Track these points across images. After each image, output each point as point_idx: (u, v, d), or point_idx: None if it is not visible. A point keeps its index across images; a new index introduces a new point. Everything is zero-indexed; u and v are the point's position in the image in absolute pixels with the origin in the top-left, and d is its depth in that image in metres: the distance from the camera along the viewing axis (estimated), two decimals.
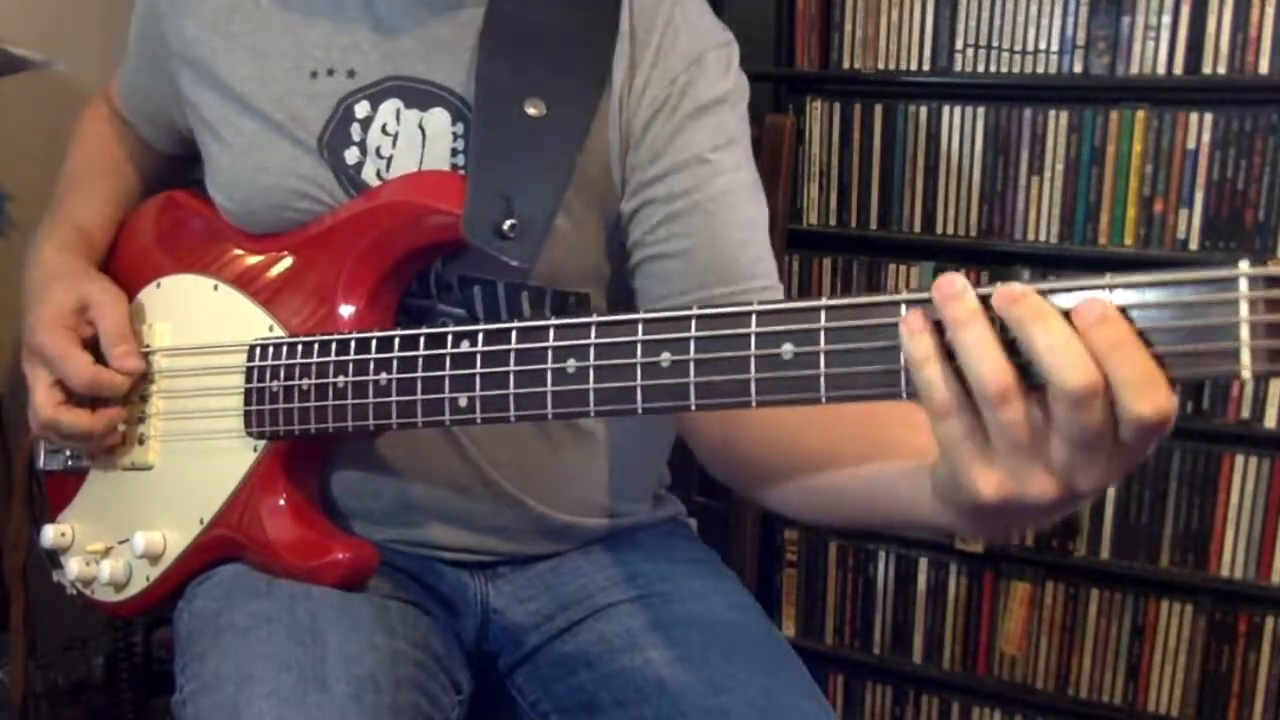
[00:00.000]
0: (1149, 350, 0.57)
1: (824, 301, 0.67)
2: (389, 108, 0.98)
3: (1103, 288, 0.58)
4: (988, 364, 0.59)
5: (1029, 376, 0.59)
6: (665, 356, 0.73)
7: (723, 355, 0.70)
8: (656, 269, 0.98)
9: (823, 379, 0.67)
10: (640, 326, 0.74)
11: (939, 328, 0.61)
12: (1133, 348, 0.57)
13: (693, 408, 0.72)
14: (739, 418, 0.90)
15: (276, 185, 0.99)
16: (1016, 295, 0.59)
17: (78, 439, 1.03)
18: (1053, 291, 0.59)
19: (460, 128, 0.97)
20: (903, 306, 0.64)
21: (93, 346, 1.02)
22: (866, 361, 0.65)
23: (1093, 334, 0.57)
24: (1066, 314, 0.58)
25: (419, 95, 0.98)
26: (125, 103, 1.19)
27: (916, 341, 0.62)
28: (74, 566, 1.06)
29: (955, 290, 0.60)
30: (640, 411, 0.74)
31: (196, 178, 1.11)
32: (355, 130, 0.98)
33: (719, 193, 0.97)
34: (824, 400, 0.67)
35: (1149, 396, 0.56)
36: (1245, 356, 0.55)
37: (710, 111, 0.98)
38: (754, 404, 0.69)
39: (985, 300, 0.60)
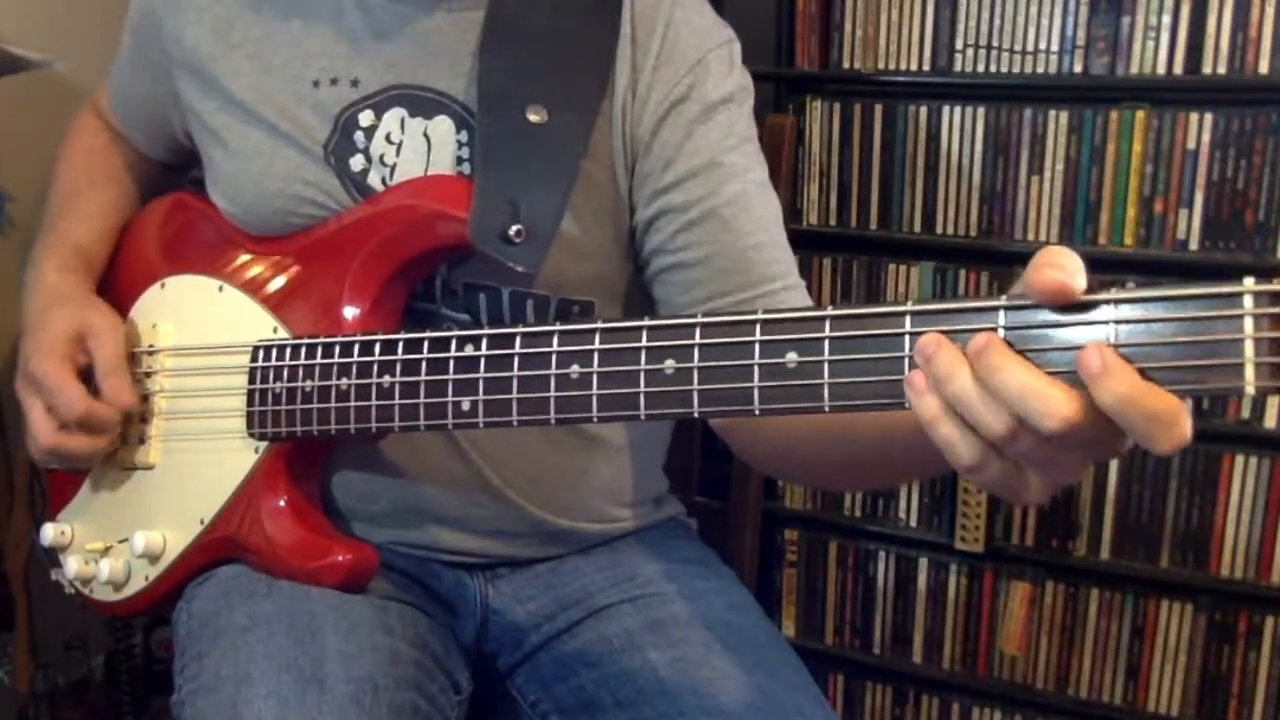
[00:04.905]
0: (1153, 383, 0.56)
1: (829, 311, 0.67)
2: (393, 116, 0.98)
3: (1108, 303, 0.58)
4: (985, 414, 0.59)
5: None
6: (669, 364, 0.73)
7: (727, 363, 0.70)
8: (677, 277, 0.98)
9: (826, 388, 0.67)
10: (645, 333, 0.74)
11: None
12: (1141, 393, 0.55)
13: (696, 415, 0.72)
14: (784, 433, 0.91)
15: (282, 191, 0.99)
16: (978, 349, 0.59)
17: (79, 462, 1.03)
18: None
19: (465, 135, 0.97)
20: (907, 318, 0.64)
21: (88, 373, 1.02)
22: (870, 372, 0.65)
23: (1098, 386, 0.56)
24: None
25: (423, 103, 0.97)
26: (117, 111, 1.18)
27: (923, 402, 0.62)
28: (73, 565, 1.06)
29: (930, 350, 0.61)
30: (643, 417, 0.74)
31: (197, 177, 1.11)
32: (359, 138, 0.98)
33: (733, 196, 0.97)
34: (827, 409, 0.67)
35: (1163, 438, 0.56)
36: (1249, 373, 0.54)
37: (717, 112, 0.98)
38: (757, 412, 0.69)
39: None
